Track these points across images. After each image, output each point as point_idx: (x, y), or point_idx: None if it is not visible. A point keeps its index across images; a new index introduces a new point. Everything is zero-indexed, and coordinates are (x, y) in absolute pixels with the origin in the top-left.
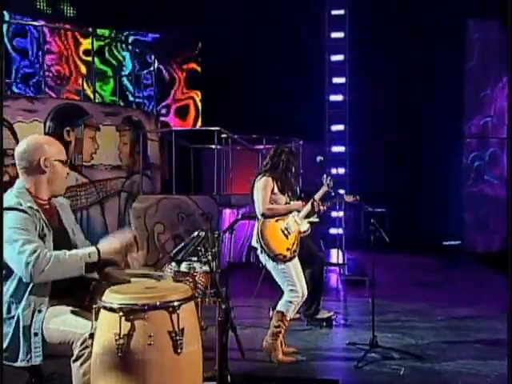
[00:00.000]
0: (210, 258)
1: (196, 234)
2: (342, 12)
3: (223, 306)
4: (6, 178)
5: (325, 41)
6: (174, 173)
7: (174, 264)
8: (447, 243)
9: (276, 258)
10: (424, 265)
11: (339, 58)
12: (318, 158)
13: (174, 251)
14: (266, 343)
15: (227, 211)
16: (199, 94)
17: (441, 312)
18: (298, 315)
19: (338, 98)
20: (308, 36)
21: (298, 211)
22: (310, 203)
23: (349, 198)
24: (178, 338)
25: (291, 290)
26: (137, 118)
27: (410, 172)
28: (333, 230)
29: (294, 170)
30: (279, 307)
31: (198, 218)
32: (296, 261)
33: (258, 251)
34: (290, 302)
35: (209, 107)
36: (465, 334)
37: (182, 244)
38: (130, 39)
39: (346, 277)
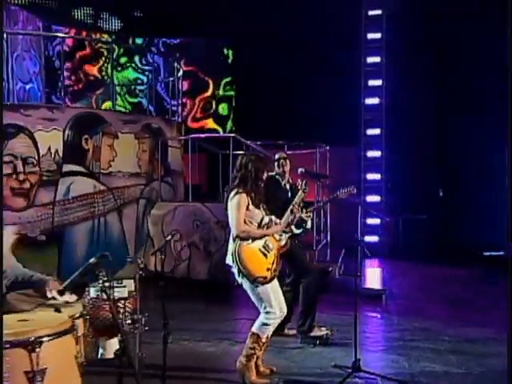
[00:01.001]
0: (106, 284)
1: (89, 261)
2: (379, 12)
3: (121, 338)
4: (26, 185)
5: (361, 42)
6: (190, 180)
7: (91, 290)
8: (488, 254)
9: (255, 281)
10: (458, 277)
11: (376, 59)
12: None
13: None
14: (240, 364)
15: None
16: (232, 98)
17: (452, 332)
18: (293, 331)
19: (374, 100)
20: (343, 37)
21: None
22: (288, 211)
23: (343, 194)
24: (35, 379)
25: (267, 312)
26: (157, 126)
27: (449, 178)
28: (368, 238)
29: (263, 177)
30: (254, 329)
31: (213, 225)
32: (275, 281)
33: (234, 270)
34: (266, 324)
35: (241, 112)
36: (468, 360)
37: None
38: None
39: (362, 289)
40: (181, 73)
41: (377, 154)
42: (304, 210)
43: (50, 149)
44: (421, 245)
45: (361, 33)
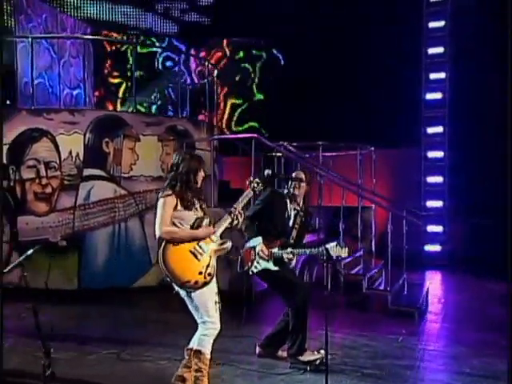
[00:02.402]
0: None
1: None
2: None
3: None
4: (48, 189)
5: (422, 31)
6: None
7: None
8: None
9: (184, 286)
10: None
11: (438, 50)
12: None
13: None
14: None
15: None
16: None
17: (477, 363)
18: (284, 354)
19: (437, 96)
20: (401, 25)
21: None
22: (227, 215)
23: (333, 250)
24: None
25: (204, 322)
26: (182, 128)
27: None
28: (430, 247)
29: (199, 178)
30: (195, 345)
31: (235, 232)
32: (213, 285)
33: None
34: (205, 335)
35: (280, 111)
36: None
37: None
38: None
39: (393, 306)
40: (215, 73)
41: (439, 154)
42: (290, 249)
43: (71, 152)
44: (488, 255)
45: (422, 21)
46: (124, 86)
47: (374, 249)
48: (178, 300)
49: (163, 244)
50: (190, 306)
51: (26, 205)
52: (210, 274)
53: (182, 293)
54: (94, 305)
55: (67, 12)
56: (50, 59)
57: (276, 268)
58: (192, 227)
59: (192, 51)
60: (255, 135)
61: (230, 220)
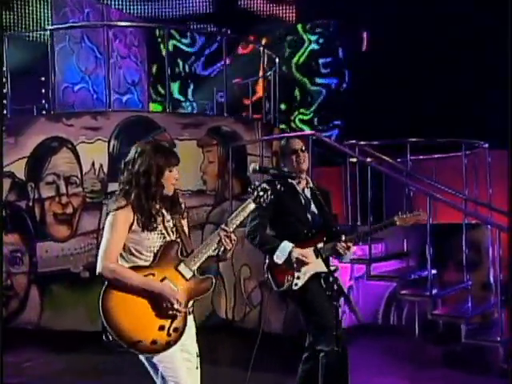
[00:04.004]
0: None
1: None
2: None
3: None
4: (69, 209)
5: None
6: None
7: None
8: None
9: (136, 348)
10: None
11: None
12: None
13: None
14: None
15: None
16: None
17: None
18: None
19: None
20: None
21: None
22: (211, 237)
23: (404, 220)
24: None
25: None
26: (228, 129)
27: None
28: None
29: (168, 180)
30: None
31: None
32: (183, 342)
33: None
34: None
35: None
36: None
37: None
38: None
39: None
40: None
41: None
42: (343, 237)
43: (93, 164)
44: None
45: None
46: (178, 85)
47: (491, 281)
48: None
49: (105, 284)
50: (152, 374)
51: (45, 228)
52: (177, 330)
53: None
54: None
55: (117, 7)
56: (94, 60)
57: (324, 269)
58: (155, 257)
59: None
60: (313, 132)
61: (214, 246)
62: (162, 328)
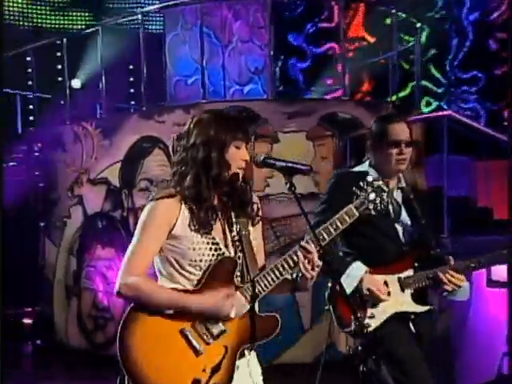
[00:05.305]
0: None
1: None
2: None
3: None
4: None
5: None
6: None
7: None
8: None
9: None
10: None
11: None
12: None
13: None
14: None
15: None
16: None
17: None
18: None
19: None
20: None
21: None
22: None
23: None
24: None
25: None
26: (347, 116)
27: None
28: None
29: (234, 159)
30: None
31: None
32: None
33: None
34: None
35: None
36: None
37: None
38: None
39: None
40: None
41: None
42: (451, 261)
43: None
44: None
45: None
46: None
47: None
48: None
49: (127, 310)
50: None
51: None
52: (215, 371)
53: None
54: None
55: None
56: (209, 48)
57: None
58: (204, 274)
59: None
60: (449, 112)
61: (287, 270)
62: (197, 382)
